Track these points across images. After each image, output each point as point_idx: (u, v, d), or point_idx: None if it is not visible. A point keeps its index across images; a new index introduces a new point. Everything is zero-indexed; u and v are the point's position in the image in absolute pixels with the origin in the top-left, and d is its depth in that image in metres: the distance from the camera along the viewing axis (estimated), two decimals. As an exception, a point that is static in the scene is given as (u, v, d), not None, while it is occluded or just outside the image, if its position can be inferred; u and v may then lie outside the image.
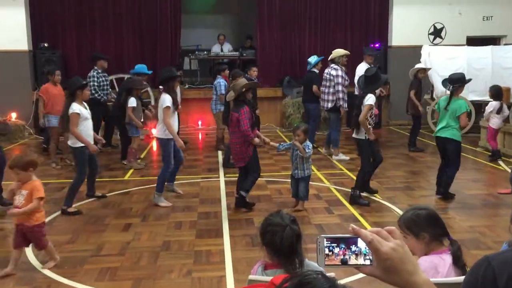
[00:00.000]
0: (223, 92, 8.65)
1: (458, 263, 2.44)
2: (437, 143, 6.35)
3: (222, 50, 12.87)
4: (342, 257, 1.12)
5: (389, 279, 1.09)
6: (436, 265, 2.42)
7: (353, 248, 1.12)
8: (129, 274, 4.24)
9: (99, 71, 9.31)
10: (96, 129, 9.71)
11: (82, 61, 12.06)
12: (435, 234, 2.52)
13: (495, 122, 8.33)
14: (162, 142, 6.11)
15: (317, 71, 9.29)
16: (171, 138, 6.01)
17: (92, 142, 5.94)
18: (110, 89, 9.85)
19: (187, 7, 13.16)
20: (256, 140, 5.76)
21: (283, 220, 2.32)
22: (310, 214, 5.76)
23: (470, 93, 10.74)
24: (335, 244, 1.13)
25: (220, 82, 8.94)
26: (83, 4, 12.07)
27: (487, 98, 10.70)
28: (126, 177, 7.62)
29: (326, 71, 8.82)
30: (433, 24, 12.56)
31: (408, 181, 7.18)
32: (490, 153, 8.59)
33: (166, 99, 5.95)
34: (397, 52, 12.35)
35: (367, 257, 1.12)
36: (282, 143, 5.98)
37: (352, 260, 1.12)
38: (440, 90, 10.74)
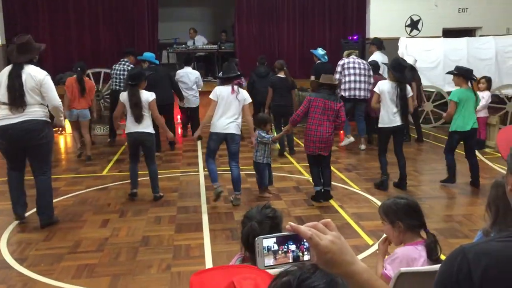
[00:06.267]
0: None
1: (431, 256, 2.46)
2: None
3: (194, 43, 12.73)
4: (291, 254, 1.12)
5: (329, 271, 1.08)
6: (412, 258, 2.44)
7: (299, 244, 1.13)
8: (107, 270, 4.19)
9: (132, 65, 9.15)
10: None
11: (57, 56, 11.86)
12: (411, 224, 2.54)
13: (486, 111, 8.65)
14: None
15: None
16: None
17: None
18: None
19: (164, 0, 13.01)
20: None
21: (257, 215, 2.28)
22: (290, 207, 5.77)
23: (447, 85, 10.87)
24: (285, 243, 1.12)
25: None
26: (57, -2, 11.86)
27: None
28: (104, 173, 7.52)
29: (358, 61, 8.77)
30: (410, 16, 12.67)
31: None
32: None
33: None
34: (375, 44, 12.41)
35: (306, 253, 1.12)
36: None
37: (302, 257, 1.12)
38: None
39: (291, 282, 0.96)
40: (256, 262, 1.11)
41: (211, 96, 5.75)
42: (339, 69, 8.63)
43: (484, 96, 8.49)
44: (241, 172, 6.53)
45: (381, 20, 12.56)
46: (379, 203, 5.76)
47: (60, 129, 5.80)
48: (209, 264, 4.28)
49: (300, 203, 5.91)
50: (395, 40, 11.34)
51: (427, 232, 2.55)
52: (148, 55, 9.07)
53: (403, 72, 6.23)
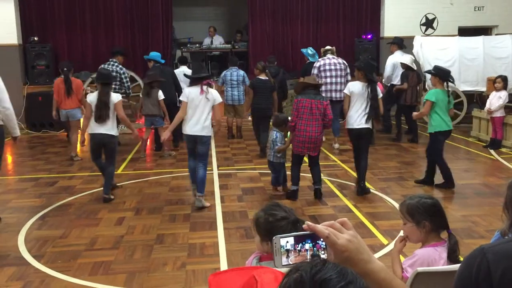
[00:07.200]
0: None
1: (452, 257, 2.45)
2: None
3: (212, 43, 12.81)
4: (308, 253, 1.12)
5: None
6: (432, 259, 2.44)
7: (319, 243, 1.14)
8: (123, 267, 4.23)
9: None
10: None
11: (72, 55, 11.98)
12: (436, 225, 2.52)
13: (502, 111, 8.53)
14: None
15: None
16: None
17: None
18: None
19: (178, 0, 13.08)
20: None
21: (289, 215, 2.27)
22: (304, 206, 5.77)
23: (462, 84, 10.78)
24: (302, 242, 1.13)
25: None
26: (73, -2, 11.97)
27: (478, 88, 10.78)
28: (119, 171, 7.58)
29: (334, 61, 8.74)
30: (425, 15, 12.57)
31: (401, 171, 7.21)
32: (485, 144, 8.76)
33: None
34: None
35: (323, 252, 1.13)
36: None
37: (323, 256, 1.13)
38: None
39: (303, 276, 0.96)
40: (274, 261, 1.12)
41: (181, 97, 5.69)
42: (315, 71, 8.66)
43: (501, 96, 8.40)
44: (255, 171, 6.57)
45: (395, 19, 12.47)
46: (394, 202, 5.74)
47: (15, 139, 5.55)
48: (223, 262, 4.31)
49: (314, 202, 5.91)
50: (410, 39, 11.25)
51: (450, 233, 2.53)
52: (154, 54, 9.14)
53: (372, 72, 6.13)
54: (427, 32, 12.55)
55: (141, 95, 8.47)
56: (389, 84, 9.84)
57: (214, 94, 5.67)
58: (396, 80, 9.70)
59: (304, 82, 5.95)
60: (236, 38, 13.34)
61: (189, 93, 5.61)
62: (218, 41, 12.95)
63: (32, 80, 11.38)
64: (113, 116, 5.94)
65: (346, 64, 8.72)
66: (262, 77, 8.41)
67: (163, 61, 9.25)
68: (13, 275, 4.11)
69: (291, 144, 5.99)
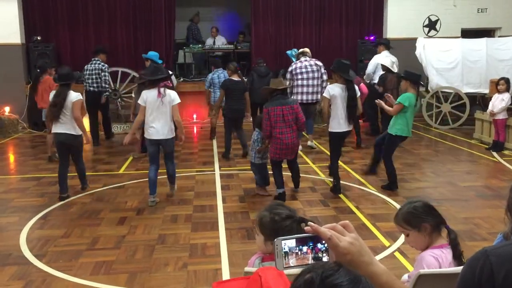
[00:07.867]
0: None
1: (455, 252, 2.45)
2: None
3: (214, 43, 12.80)
4: (310, 255, 1.12)
5: None
6: (440, 261, 2.43)
7: (319, 245, 1.13)
8: (124, 267, 4.23)
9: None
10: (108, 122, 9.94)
11: (75, 54, 12.00)
12: (435, 223, 2.52)
13: (505, 113, 8.50)
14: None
15: None
16: None
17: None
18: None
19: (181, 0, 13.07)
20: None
21: (293, 215, 2.27)
22: (306, 207, 5.77)
23: (465, 86, 10.76)
24: (303, 244, 1.13)
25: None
26: (76, -3, 11.99)
27: (481, 90, 10.76)
28: (121, 171, 7.60)
29: (306, 63, 8.71)
30: (428, 17, 12.55)
31: (403, 173, 7.19)
32: (487, 146, 8.75)
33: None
34: (392, 45, 12.30)
35: (324, 254, 1.12)
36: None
37: (321, 258, 1.12)
38: (434, 82, 10.78)
39: (314, 279, 0.96)
40: (276, 263, 1.12)
41: (139, 101, 5.67)
42: (288, 76, 8.63)
43: (504, 98, 8.38)
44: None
45: (398, 20, 12.46)
46: (395, 204, 5.73)
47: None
48: (225, 263, 4.30)
49: (316, 204, 5.91)
50: (413, 41, 11.24)
51: (448, 229, 2.52)
52: (152, 54, 9.18)
53: (348, 72, 6.06)
54: (430, 34, 12.54)
55: (133, 95, 8.46)
56: (368, 81, 9.86)
57: (172, 95, 5.66)
58: (376, 79, 9.76)
59: (270, 88, 5.86)
60: (238, 38, 13.34)
61: (147, 97, 5.58)
62: (220, 41, 12.94)
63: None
64: (72, 116, 5.89)
65: (321, 65, 8.66)
66: (235, 78, 8.21)
67: (160, 61, 9.25)
68: (14, 274, 4.11)
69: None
